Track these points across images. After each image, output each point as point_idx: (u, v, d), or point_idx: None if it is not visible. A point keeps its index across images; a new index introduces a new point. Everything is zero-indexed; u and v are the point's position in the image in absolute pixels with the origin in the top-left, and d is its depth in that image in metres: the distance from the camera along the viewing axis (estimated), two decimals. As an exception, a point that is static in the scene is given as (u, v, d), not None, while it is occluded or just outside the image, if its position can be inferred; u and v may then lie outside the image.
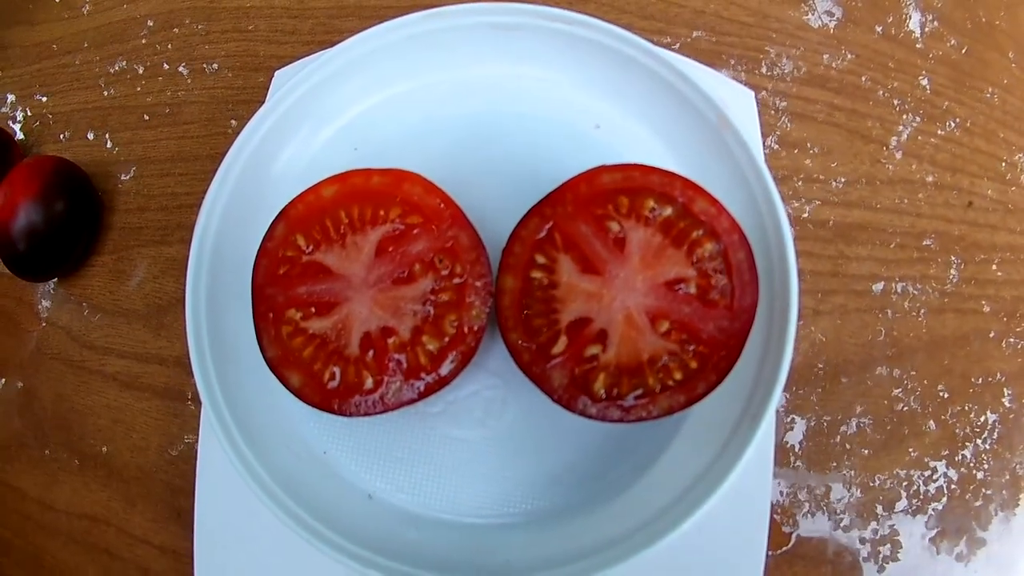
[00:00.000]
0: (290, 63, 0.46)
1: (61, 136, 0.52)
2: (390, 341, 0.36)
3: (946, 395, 0.41)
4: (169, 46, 0.51)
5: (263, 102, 0.42)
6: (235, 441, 0.40)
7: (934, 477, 0.40)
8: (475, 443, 0.39)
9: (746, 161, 0.39)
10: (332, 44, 0.41)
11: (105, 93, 0.51)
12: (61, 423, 0.48)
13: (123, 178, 0.50)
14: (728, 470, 0.36)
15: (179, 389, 0.46)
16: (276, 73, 0.46)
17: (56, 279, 0.50)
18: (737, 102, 0.43)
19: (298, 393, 0.37)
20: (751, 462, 0.37)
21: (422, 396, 0.36)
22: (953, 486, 0.40)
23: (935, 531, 0.40)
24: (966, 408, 0.41)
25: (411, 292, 0.37)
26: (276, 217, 0.38)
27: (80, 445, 0.48)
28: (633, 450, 0.39)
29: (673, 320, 0.36)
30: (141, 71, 0.51)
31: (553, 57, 0.42)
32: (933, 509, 0.40)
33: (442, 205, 0.37)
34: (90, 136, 0.51)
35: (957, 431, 0.41)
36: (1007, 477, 0.40)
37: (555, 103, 0.42)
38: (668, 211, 0.36)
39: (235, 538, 0.42)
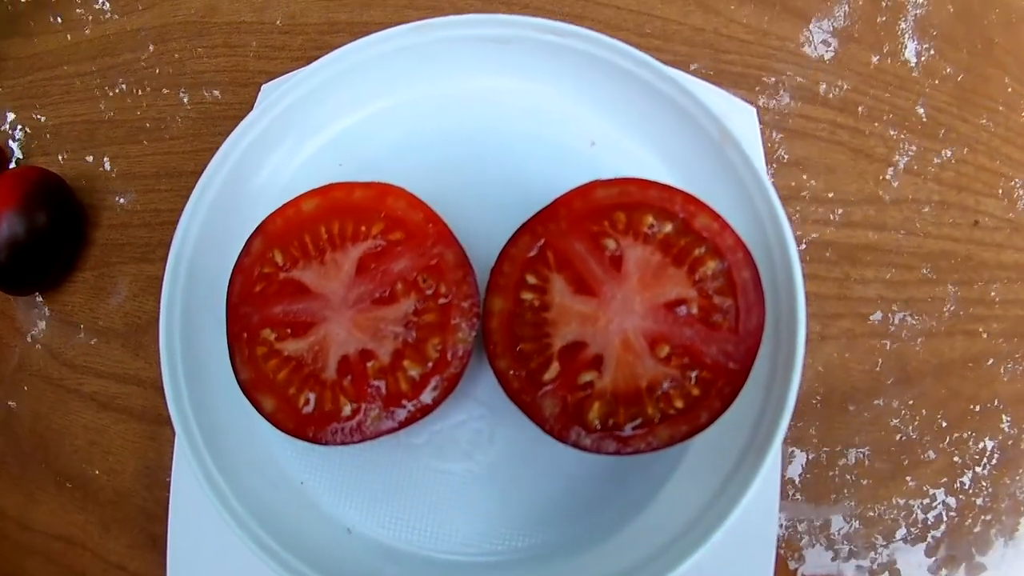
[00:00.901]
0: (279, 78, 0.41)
1: (47, 149, 0.46)
2: (369, 365, 0.30)
3: (944, 423, 0.36)
4: (160, 61, 0.46)
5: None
6: (207, 468, 0.34)
7: (933, 505, 0.35)
8: (460, 476, 0.33)
9: (750, 177, 0.34)
10: (321, 59, 0.36)
11: (94, 107, 0.46)
12: (39, 442, 0.42)
13: (107, 193, 0.44)
14: (733, 504, 0.30)
15: (156, 412, 0.40)
16: (263, 87, 0.40)
17: (39, 294, 0.44)
18: (738, 118, 0.37)
19: (271, 419, 0.31)
20: (756, 495, 0.31)
21: (403, 425, 0.30)
22: (952, 513, 0.35)
23: (935, 559, 0.34)
24: (964, 435, 0.35)
25: (392, 313, 0.31)
26: (253, 232, 0.33)
27: (57, 465, 0.42)
28: (630, 484, 0.33)
29: (674, 344, 0.30)
30: (130, 86, 0.45)
31: (546, 71, 0.36)
32: (932, 537, 0.35)
33: (427, 221, 0.31)
34: (76, 150, 0.45)
35: (956, 459, 0.35)
36: (1006, 503, 0.35)
37: (548, 119, 0.36)
38: (668, 228, 0.31)
39: (208, 569, 0.36)
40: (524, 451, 0.33)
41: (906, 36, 0.42)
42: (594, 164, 0.36)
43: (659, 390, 0.30)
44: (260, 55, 0.44)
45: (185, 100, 0.45)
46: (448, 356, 0.30)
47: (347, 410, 0.30)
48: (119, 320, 0.42)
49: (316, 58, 0.37)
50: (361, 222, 0.31)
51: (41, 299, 0.44)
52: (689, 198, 0.31)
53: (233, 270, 0.33)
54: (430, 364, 0.30)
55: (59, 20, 0.48)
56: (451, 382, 0.30)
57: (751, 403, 0.32)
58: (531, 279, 0.31)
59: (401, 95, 0.37)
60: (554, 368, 0.30)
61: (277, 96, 0.37)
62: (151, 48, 0.46)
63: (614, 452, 0.30)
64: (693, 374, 0.30)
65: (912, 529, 0.34)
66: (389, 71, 0.37)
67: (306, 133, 0.37)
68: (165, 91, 0.45)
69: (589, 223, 0.31)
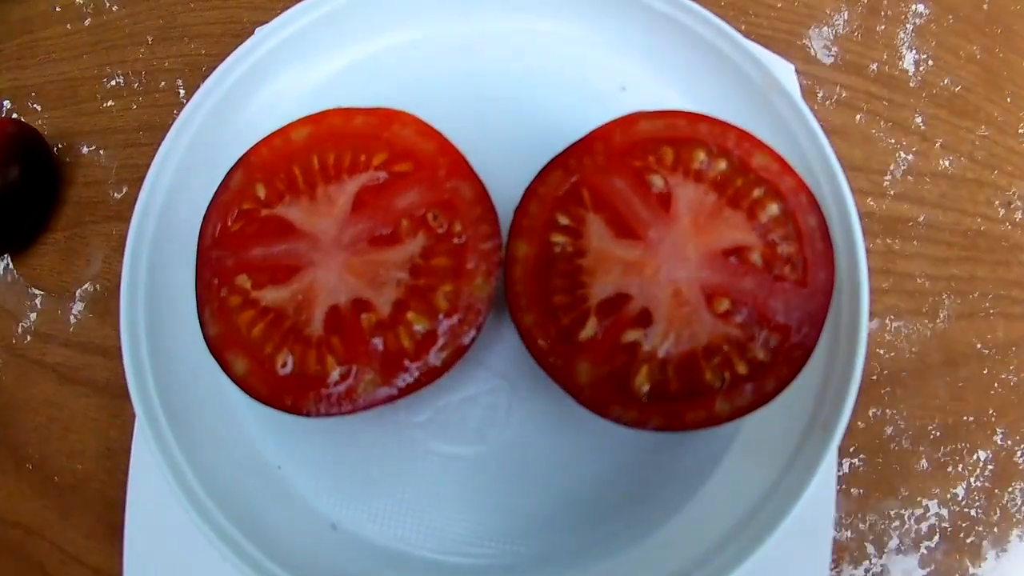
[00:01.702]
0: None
1: (28, 108, 0.38)
2: (364, 318, 0.22)
3: (938, 434, 0.29)
4: (152, 15, 0.38)
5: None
6: (167, 446, 0.25)
7: (926, 516, 0.29)
8: (470, 461, 0.25)
9: (798, 124, 0.26)
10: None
11: (77, 64, 0.38)
12: (1, 417, 0.33)
13: (85, 148, 0.36)
14: (799, 491, 0.22)
15: (120, 385, 0.31)
16: (256, 31, 0.32)
17: (7, 256, 0.35)
18: (776, 75, 0.31)
19: (242, 383, 0.23)
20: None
21: (403, 393, 0.21)
22: (945, 524, 0.29)
23: (927, 570, 0.29)
24: (958, 446, 0.29)
25: (394, 255, 0.23)
26: (234, 165, 0.25)
27: (15, 443, 0.32)
28: (674, 470, 0.24)
29: (735, 298, 0.22)
30: (119, 41, 0.38)
31: (575, 11, 0.29)
32: (926, 547, 0.29)
33: (440, 151, 0.23)
34: (57, 107, 0.37)
35: (949, 469, 0.29)
36: (998, 514, 0.29)
37: (576, 62, 0.29)
38: (722, 165, 0.23)
39: (170, 565, 0.27)
40: (548, 430, 0.25)
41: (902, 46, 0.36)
42: (625, 110, 0.28)
43: (718, 353, 0.22)
44: (255, 5, 0.37)
45: (173, 52, 0.37)
46: (462, 308, 0.22)
47: (335, 373, 0.22)
48: (88, 284, 0.33)
49: (317, 9, 0.29)
50: (360, 151, 0.24)
51: (9, 261, 0.35)
52: (744, 134, 0.24)
53: (208, 209, 0.24)
54: (440, 317, 0.22)
55: None
56: (465, 341, 0.22)
57: (813, 372, 0.24)
58: (563, 220, 0.23)
59: (412, 32, 0.30)
60: (591, 325, 0.22)
61: (269, 29, 0.29)
62: (140, 3, 0.38)
63: (663, 428, 0.21)
64: (759, 334, 0.22)
65: (905, 540, 0.29)
66: (399, 5, 0.29)
67: (299, 71, 0.30)
68: (151, 44, 0.37)
69: (631, 158, 0.23)
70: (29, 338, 0.33)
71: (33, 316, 0.34)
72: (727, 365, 0.22)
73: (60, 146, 0.36)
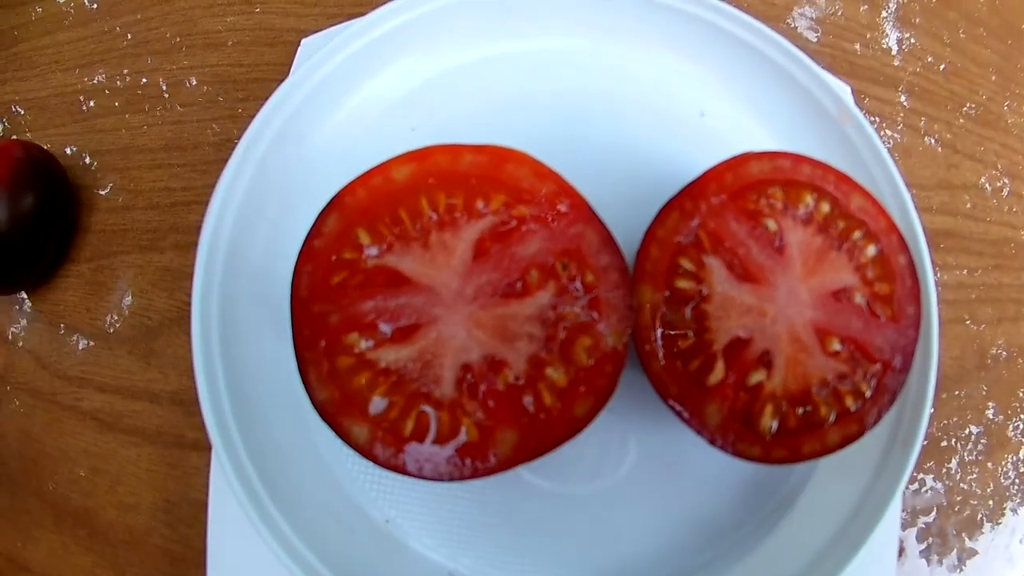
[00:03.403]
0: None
1: (34, 124, 0.29)
2: (499, 376, 0.19)
3: (931, 408, 0.29)
4: (167, 20, 0.31)
5: (282, 79, 0.24)
6: (265, 510, 0.21)
7: (922, 490, 0.28)
8: (584, 500, 0.22)
9: (871, 157, 0.25)
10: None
11: (88, 74, 0.30)
12: (31, 469, 0.27)
13: (105, 171, 0.28)
14: (887, 501, 0.22)
15: (176, 433, 0.26)
16: (303, 42, 0.27)
17: (25, 292, 0.28)
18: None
19: (365, 451, 0.19)
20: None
21: (548, 449, 0.18)
22: (940, 498, 0.28)
23: (925, 544, 0.28)
24: (950, 421, 0.29)
25: (525, 308, 0.19)
26: (326, 207, 0.20)
27: (52, 496, 0.26)
28: (770, 493, 0.23)
29: (843, 337, 0.21)
30: (133, 47, 0.30)
31: (651, 34, 0.25)
32: (923, 522, 0.28)
33: (560, 193, 0.20)
34: (67, 123, 0.29)
35: (943, 443, 0.29)
36: (992, 487, 0.29)
37: (654, 86, 0.26)
38: (826, 208, 0.22)
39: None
40: (657, 466, 0.23)
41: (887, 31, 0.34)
42: (704, 136, 0.26)
43: (831, 389, 0.21)
44: (287, 11, 0.30)
45: (197, 62, 0.30)
46: (600, 360, 0.19)
47: (471, 435, 0.19)
48: (123, 322, 0.27)
49: (358, 15, 0.24)
50: (475, 194, 0.20)
51: (26, 297, 0.28)
52: (842, 176, 0.22)
53: (300, 256, 0.20)
54: (580, 372, 0.19)
55: None
56: (605, 391, 0.19)
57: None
58: (686, 264, 0.21)
59: (484, 50, 0.25)
60: (719, 368, 0.20)
61: (331, 48, 0.24)
62: (156, 8, 0.31)
63: (784, 460, 0.20)
64: (862, 369, 0.21)
65: (902, 514, 0.28)
66: (470, 23, 0.25)
67: (369, 90, 0.25)
68: (173, 54, 0.30)
69: (743, 200, 0.21)
70: (59, 382, 0.27)
71: (62, 357, 0.27)
72: (837, 400, 0.21)
73: (77, 167, 0.29)
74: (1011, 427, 0.30)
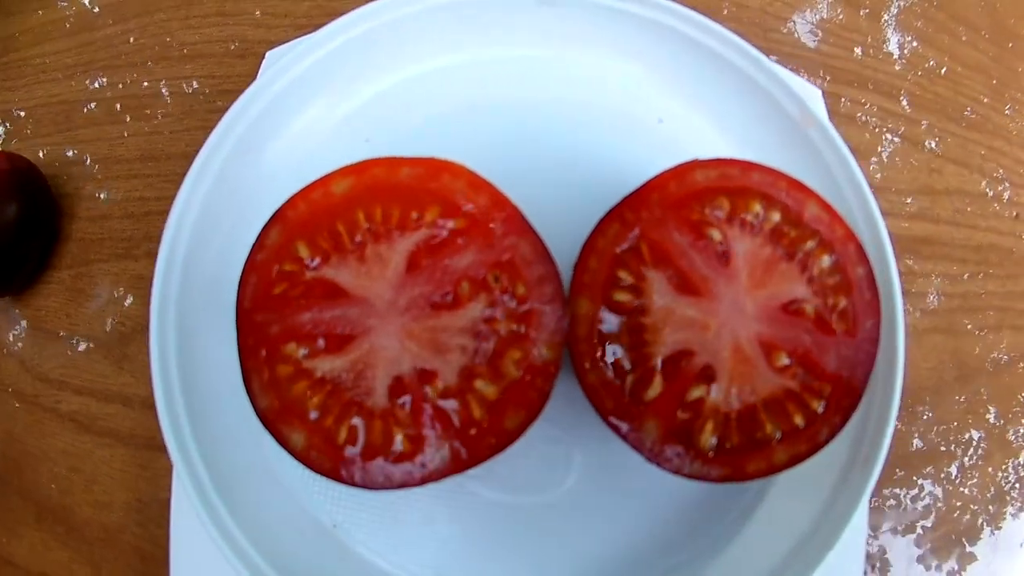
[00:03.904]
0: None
1: (18, 134, 0.32)
2: (429, 387, 0.20)
3: (930, 414, 0.29)
4: (145, 33, 0.33)
5: (251, 90, 0.25)
6: (215, 510, 0.22)
7: (921, 495, 0.28)
8: (530, 511, 0.23)
9: (836, 162, 0.25)
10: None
11: (68, 86, 0.32)
12: (13, 468, 0.29)
13: (85, 181, 0.31)
14: (842, 523, 0.22)
15: (148, 436, 0.28)
16: (267, 54, 0.28)
17: (9, 298, 0.31)
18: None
19: (302, 457, 0.20)
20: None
21: (476, 462, 0.19)
22: (940, 503, 0.28)
23: (924, 549, 0.28)
24: (951, 426, 0.29)
25: (456, 320, 0.20)
26: (270, 220, 0.21)
27: (36, 495, 0.29)
28: (722, 511, 0.23)
29: (791, 351, 0.21)
30: (111, 60, 0.32)
31: (608, 39, 0.26)
32: (922, 527, 0.28)
33: (495, 205, 0.21)
34: (50, 133, 0.32)
35: (942, 448, 0.29)
36: (992, 492, 0.29)
37: (611, 92, 0.26)
38: (776, 217, 0.22)
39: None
40: (603, 479, 0.23)
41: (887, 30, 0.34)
42: (663, 143, 0.26)
43: (777, 405, 0.21)
44: (259, 23, 0.32)
45: (171, 75, 0.32)
46: (531, 373, 0.20)
47: (402, 445, 0.20)
48: (100, 327, 0.29)
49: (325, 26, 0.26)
50: (411, 206, 0.21)
51: (11, 303, 0.31)
52: (795, 183, 0.22)
53: (245, 268, 0.21)
54: (509, 383, 0.20)
55: None
56: (536, 405, 0.20)
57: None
58: (624, 277, 0.21)
59: (438, 61, 0.26)
60: (657, 383, 0.20)
61: (289, 60, 0.25)
62: (135, 20, 0.33)
63: (727, 479, 0.20)
64: (813, 385, 0.21)
65: (901, 520, 0.28)
66: (425, 34, 0.26)
67: (324, 103, 0.26)
68: (150, 65, 0.32)
69: (687, 210, 0.21)
70: (40, 384, 0.30)
71: (43, 361, 0.30)
72: (785, 417, 0.21)
73: (58, 177, 0.31)
74: (1012, 432, 0.30)
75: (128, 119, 0.31)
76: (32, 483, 0.29)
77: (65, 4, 0.33)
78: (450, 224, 0.21)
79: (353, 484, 0.20)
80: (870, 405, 0.24)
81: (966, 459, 0.29)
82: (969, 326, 0.30)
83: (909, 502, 0.28)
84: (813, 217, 0.22)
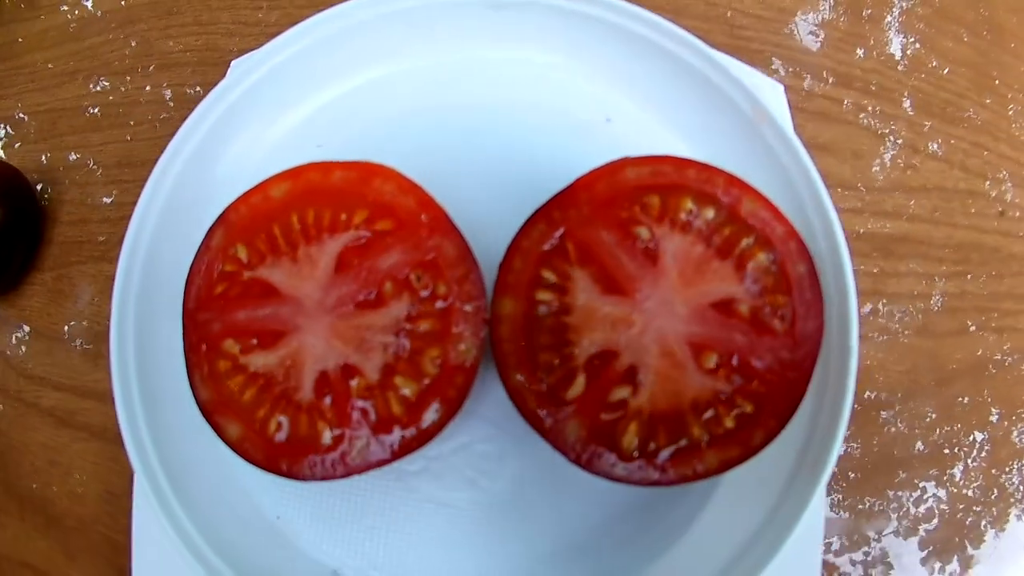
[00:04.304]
0: (252, 54, 0.31)
1: (5, 140, 0.36)
2: (353, 383, 0.21)
3: (933, 415, 0.29)
4: (127, 43, 0.35)
5: (218, 98, 0.27)
6: (167, 502, 0.24)
7: (924, 498, 0.29)
8: (464, 509, 0.24)
9: (789, 158, 0.25)
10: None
11: (55, 95, 0.35)
12: None
13: (67, 186, 0.34)
14: (787, 530, 0.22)
15: (117, 431, 0.30)
16: (232, 63, 0.30)
17: (-3, 297, 0.34)
18: (765, 96, 0.29)
19: (237, 448, 0.22)
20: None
21: (396, 456, 0.21)
22: (943, 506, 0.29)
23: (927, 551, 0.28)
24: (955, 428, 0.29)
25: (380, 319, 0.21)
26: (214, 223, 0.23)
27: (18, 487, 0.31)
28: (663, 514, 0.24)
29: (722, 352, 0.21)
30: (95, 70, 0.35)
31: (557, 39, 0.27)
32: (924, 530, 0.28)
33: (421, 207, 0.22)
34: (36, 140, 0.35)
35: (945, 451, 0.29)
36: (996, 494, 0.29)
37: (559, 92, 0.27)
38: (710, 214, 0.22)
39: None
40: (538, 477, 0.24)
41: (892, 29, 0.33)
42: (610, 142, 0.26)
43: (706, 408, 0.21)
44: (232, 32, 0.34)
45: (151, 83, 0.34)
46: (450, 370, 0.21)
47: (327, 438, 0.21)
48: (78, 326, 0.32)
49: (295, 35, 0.27)
50: (341, 209, 0.22)
51: (1, 302, 0.33)
52: (732, 179, 0.22)
53: (190, 269, 0.23)
54: (428, 381, 0.21)
55: (29, 6, 0.37)
56: (454, 403, 0.21)
57: (800, 415, 0.23)
58: (549, 276, 0.22)
59: (389, 67, 0.28)
60: (579, 383, 0.21)
61: (245, 69, 0.27)
62: (118, 30, 0.36)
63: (653, 483, 0.21)
64: (746, 388, 0.21)
65: (903, 522, 0.28)
66: (375, 40, 0.27)
67: (279, 109, 0.28)
68: (130, 75, 0.35)
69: (617, 208, 0.22)
70: (23, 381, 0.32)
71: (27, 358, 0.32)
72: (715, 420, 0.21)
73: (43, 182, 0.34)
74: (1016, 432, 0.30)
75: (107, 128, 0.34)
76: (15, 475, 0.32)
77: (44, 17, 0.36)
78: (378, 226, 0.22)
79: (282, 474, 0.21)
80: (819, 409, 0.23)
81: (970, 461, 0.29)
82: (953, 326, 0.30)
83: (911, 505, 0.29)
84: (751, 213, 0.22)
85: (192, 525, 0.24)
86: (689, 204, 0.22)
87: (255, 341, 0.22)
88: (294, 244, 0.22)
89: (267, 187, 0.23)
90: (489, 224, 0.23)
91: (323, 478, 0.21)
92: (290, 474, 0.21)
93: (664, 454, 0.21)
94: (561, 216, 0.22)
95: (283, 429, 0.21)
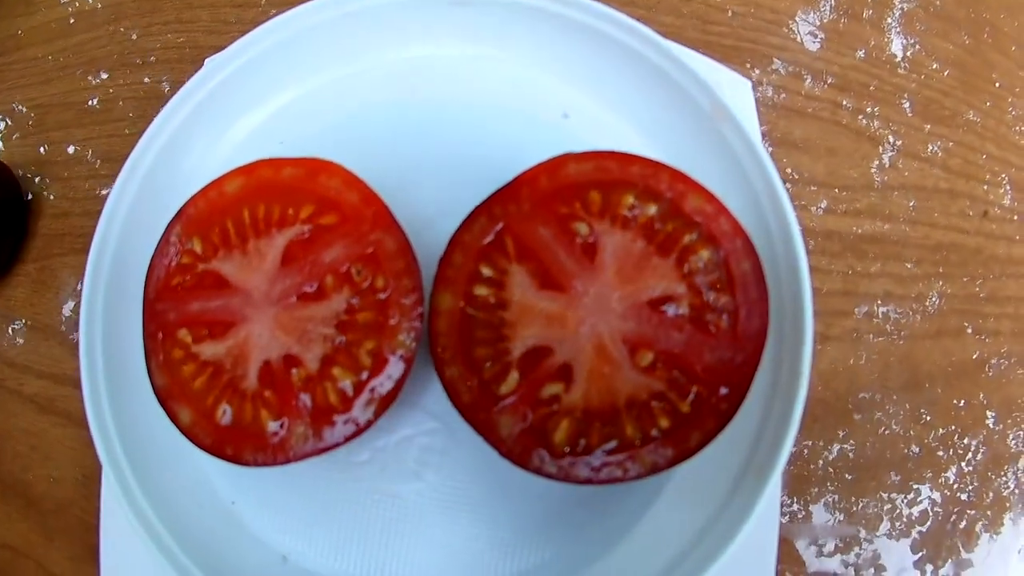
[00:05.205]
0: (228, 52, 0.33)
1: (2, 132, 0.39)
2: (294, 373, 0.23)
3: (928, 417, 0.30)
4: (113, 40, 0.39)
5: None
6: (126, 483, 0.27)
7: (918, 500, 0.30)
8: (408, 500, 0.26)
9: (747, 156, 0.26)
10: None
11: (44, 91, 0.39)
12: None
13: (53, 180, 0.37)
14: (731, 534, 0.23)
15: (90, 417, 0.34)
16: (206, 62, 0.33)
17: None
18: (731, 91, 0.30)
19: (188, 433, 0.24)
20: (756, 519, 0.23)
21: (334, 446, 0.23)
22: (937, 508, 0.30)
23: (920, 554, 0.29)
24: (949, 430, 0.30)
25: (321, 311, 0.24)
26: (173, 217, 0.26)
27: (0, 471, 0.35)
28: (605, 512, 0.25)
29: (659, 350, 0.23)
30: (83, 66, 0.39)
31: (513, 35, 0.29)
32: (918, 532, 0.30)
33: (364, 202, 0.24)
34: (24, 135, 0.38)
35: (940, 453, 0.30)
36: (991, 497, 0.30)
37: (516, 88, 0.29)
38: (652, 210, 0.23)
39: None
40: (482, 471, 0.26)
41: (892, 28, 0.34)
42: (567, 138, 0.28)
43: (641, 407, 0.22)
44: (211, 30, 0.37)
45: (132, 79, 0.37)
46: (385, 364, 0.23)
47: (270, 426, 0.23)
48: (58, 316, 0.35)
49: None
50: (289, 204, 0.24)
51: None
52: (678, 175, 0.23)
53: (151, 261, 0.26)
54: (364, 373, 0.23)
55: (21, 3, 0.41)
56: (389, 394, 0.23)
57: (749, 418, 0.24)
58: (486, 271, 0.23)
59: (350, 66, 0.30)
60: (512, 378, 0.23)
61: (212, 68, 0.30)
62: (105, 27, 0.39)
63: (584, 481, 0.22)
64: (683, 387, 0.22)
65: (897, 524, 0.30)
66: (337, 39, 0.29)
67: (243, 108, 0.30)
68: (115, 71, 0.38)
69: (557, 204, 0.23)
70: (6, 368, 0.36)
71: (11, 347, 0.36)
72: (649, 419, 0.22)
73: (29, 176, 0.38)
74: (1011, 436, 0.31)
75: (91, 124, 0.37)
76: (-1, 461, 0.35)
77: (41, 13, 0.40)
78: (322, 220, 0.24)
79: (227, 459, 0.23)
80: (768, 411, 0.24)
81: (964, 464, 0.30)
82: (951, 327, 0.30)
83: (905, 506, 0.30)
84: (696, 210, 0.23)
85: (151, 507, 0.27)
86: (631, 200, 0.23)
87: (206, 331, 0.24)
88: (245, 237, 0.24)
89: (223, 183, 0.25)
90: (442, 219, 0.25)
91: (264, 464, 0.23)
92: (234, 459, 0.23)
93: (597, 452, 0.22)
94: (501, 211, 0.24)
95: (228, 416, 0.23)
